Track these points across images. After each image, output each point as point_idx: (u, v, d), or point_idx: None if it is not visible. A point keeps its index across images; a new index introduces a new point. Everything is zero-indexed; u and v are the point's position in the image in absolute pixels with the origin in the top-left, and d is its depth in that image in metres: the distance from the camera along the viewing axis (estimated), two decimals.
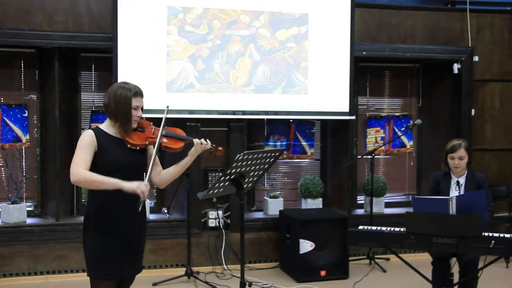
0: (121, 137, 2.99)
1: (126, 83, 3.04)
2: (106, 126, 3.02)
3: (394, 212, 6.19)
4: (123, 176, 2.90)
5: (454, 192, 4.11)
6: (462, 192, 4.08)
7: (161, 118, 3.15)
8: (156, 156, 3.13)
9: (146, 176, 2.98)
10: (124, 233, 2.97)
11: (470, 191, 4.05)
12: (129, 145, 3.00)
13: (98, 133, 2.96)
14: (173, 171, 3.17)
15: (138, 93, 3.02)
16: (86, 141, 2.91)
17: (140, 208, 2.94)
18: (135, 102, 2.98)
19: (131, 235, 3.01)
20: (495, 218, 5.96)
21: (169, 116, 5.32)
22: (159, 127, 3.09)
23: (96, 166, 2.92)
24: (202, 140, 3.15)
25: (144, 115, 5.63)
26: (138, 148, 3.03)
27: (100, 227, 2.94)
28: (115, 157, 2.93)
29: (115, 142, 2.98)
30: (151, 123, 3.16)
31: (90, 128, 3.03)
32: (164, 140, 3.10)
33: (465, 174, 4.14)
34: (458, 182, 4.12)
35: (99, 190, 2.92)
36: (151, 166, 3.03)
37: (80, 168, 2.85)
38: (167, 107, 3.24)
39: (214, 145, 3.23)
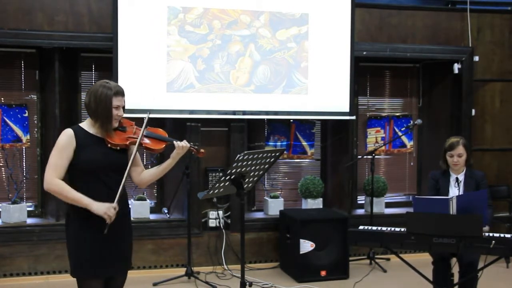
0: (102, 136, 2.98)
1: (107, 82, 3.00)
2: (87, 125, 3.00)
3: (394, 212, 6.19)
4: (103, 176, 2.91)
5: (453, 189, 4.13)
6: (461, 189, 4.10)
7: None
8: (138, 156, 3.12)
9: (116, 198, 2.93)
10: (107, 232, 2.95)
11: (469, 187, 4.07)
12: (109, 145, 2.98)
13: (78, 132, 2.94)
14: (154, 172, 3.16)
15: (119, 92, 2.98)
16: (63, 143, 2.90)
17: (106, 231, 2.90)
18: (115, 101, 2.94)
19: (114, 233, 2.97)
20: (495, 218, 5.98)
21: (168, 116, 5.39)
22: (142, 127, 3.07)
23: (76, 165, 2.92)
24: (184, 141, 3.11)
25: (144, 115, 5.61)
26: (118, 148, 3.00)
27: (81, 226, 2.94)
28: (94, 157, 2.91)
29: (95, 141, 2.95)
30: (133, 122, 3.14)
31: (70, 127, 3.00)
32: (146, 140, 3.07)
33: (464, 171, 4.15)
34: (457, 179, 4.14)
35: (78, 189, 2.92)
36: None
37: (55, 177, 2.86)
38: (148, 113, 3.18)
39: (196, 147, 3.21)
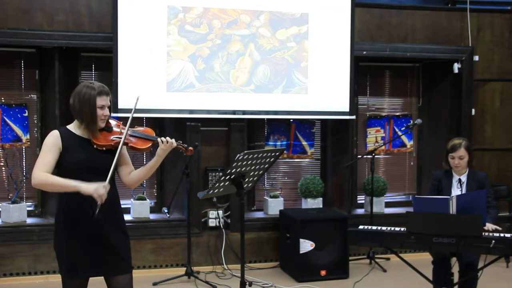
0: (88, 137, 2.96)
1: (91, 82, 2.99)
2: (73, 126, 3.00)
3: (394, 212, 6.19)
4: (89, 177, 2.87)
5: (456, 190, 4.12)
6: (464, 190, 4.09)
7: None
8: (127, 157, 3.10)
9: (108, 177, 2.88)
10: (92, 233, 2.93)
11: (472, 189, 4.06)
12: (95, 146, 2.96)
13: (64, 133, 2.94)
14: (141, 172, 3.11)
15: (103, 92, 2.95)
16: (50, 143, 2.90)
17: (96, 213, 2.81)
18: (100, 101, 2.92)
19: (100, 235, 2.94)
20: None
21: (168, 116, 5.38)
22: (131, 126, 3.04)
23: (61, 166, 2.92)
24: (168, 138, 3.05)
25: (144, 115, 5.61)
26: (104, 148, 2.97)
27: (66, 227, 2.93)
28: (80, 158, 2.90)
29: (81, 142, 2.94)
30: (121, 122, 3.11)
31: (57, 128, 3.00)
32: (132, 140, 3.04)
33: (467, 172, 4.15)
34: (460, 180, 4.13)
35: (64, 192, 2.90)
36: (113, 166, 2.92)
37: (41, 172, 2.83)
38: (132, 111, 3.08)
39: (185, 145, 3.16)
